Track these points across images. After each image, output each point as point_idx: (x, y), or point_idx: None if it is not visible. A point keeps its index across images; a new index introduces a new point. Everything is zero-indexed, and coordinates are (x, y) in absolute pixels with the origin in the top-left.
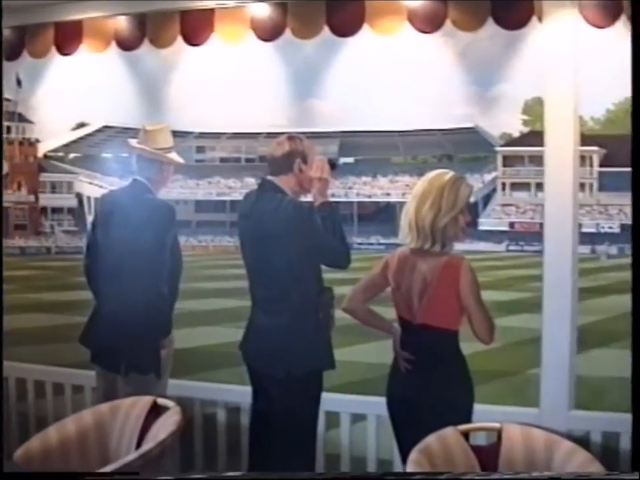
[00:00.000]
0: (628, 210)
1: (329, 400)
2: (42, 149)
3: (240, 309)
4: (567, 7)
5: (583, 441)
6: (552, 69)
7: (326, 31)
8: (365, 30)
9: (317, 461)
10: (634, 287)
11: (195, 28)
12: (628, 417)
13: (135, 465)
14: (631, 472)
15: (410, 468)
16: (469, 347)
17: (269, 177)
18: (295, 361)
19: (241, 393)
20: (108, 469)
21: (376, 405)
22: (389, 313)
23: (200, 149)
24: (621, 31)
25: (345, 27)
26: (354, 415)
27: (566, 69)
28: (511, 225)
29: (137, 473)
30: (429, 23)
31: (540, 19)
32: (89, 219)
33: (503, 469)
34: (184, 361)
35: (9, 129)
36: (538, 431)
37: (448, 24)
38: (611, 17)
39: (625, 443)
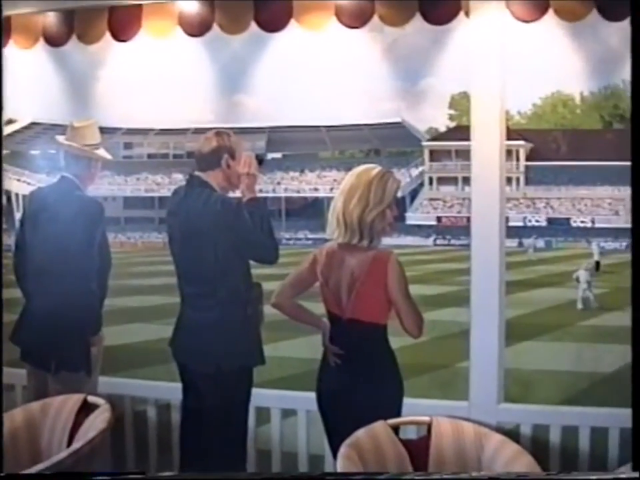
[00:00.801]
0: (554, 203)
1: (259, 395)
2: None
3: (169, 306)
4: (494, 1)
5: (512, 434)
6: (479, 63)
7: (253, 26)
8: (293, 25)
9: (247, 456)
10: (634, 286)
11: (123, 24)
12: (557, 409)
13: (66, 463)
14: (631, 472)
15: (340, 462)
16: (397, 340)
17: (197, 173)
18: (224, 357)
19: (171, 390)
20: (38, 467)
21: (306, 400)
22: (317, 308)
23: (128, 145)
24: (548, 25)
25: (273, 22)
26: (284, 410)
27: (492, 64)
28: (438, 219)
29: (142, 473)
30: (356, 18)
31: (467, 14)
32: (17, 216)
33: (432, 462)
34: (114, 358)
35: None
36: (468, 424)
37: (375, 19)
38: (538, 12)
39: (555, 435)
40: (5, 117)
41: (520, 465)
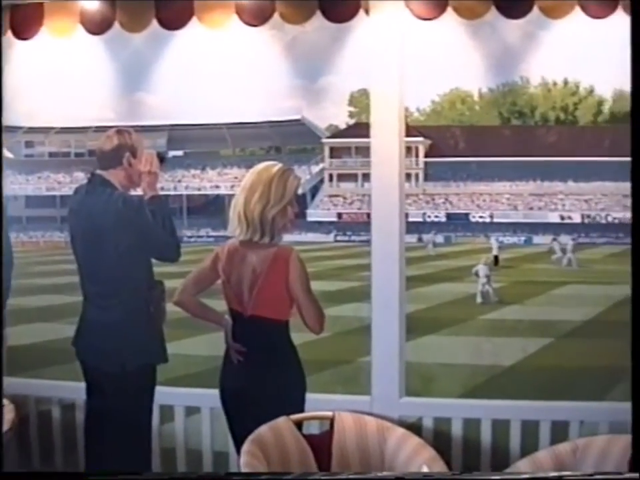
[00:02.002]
0: (453, 199)
1: (163, 393)
2: None
3: (72, 305)
4: (394, 0)
5: (414, 427)
6: (378, 61)
7: (155, 24)
8: (194, 23)
9: (152, 455)
10: (634, 284)
11: (24, 22)
12: (458, 402)
13: None
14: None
15: (243, 459)
16: (299, 337)
17: (99, 171)
18: (127, 356)
19: (76, 389)
20: None
21: (209, 398)
22: (219, 305)
23: (29, 144)
24: (447, 23)
25: (174, 20)
26: (188, 407)
27: (392, 61)
28: (339, 215)
29: (138, 473)
30: (256, 16)
31: (367, 12)
32: None
33: (335, 457)
34: (17, 359)
35: None
36: (370, 418)
37: (276, 17)
38: (436, 10)
39: (456, 428)
40: None
41: (422, 458)
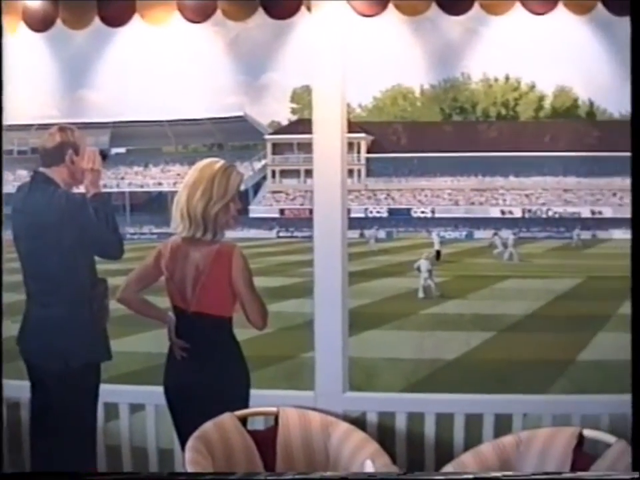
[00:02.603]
0: (395, 194)
1: (107, 391)
2: None
3: (16, 303)
4: None
5: (358, 422)
6: (320, 57)
7: (97, 21)
8: (136, 20)
9: (97, 452)
10: (633, 283)
11: None
12: (401, 396)
13: None
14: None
15: (188, 455)
16: (243, 333)
17: (41, 169)
18: (71, 354)
19: (20, 388)
20: None
21: (154, 395)
22: (163, 302)
23: None
24: (389, 19)
25: (116, 17)
26: (132, 405)
27: (334, 58)
28: (281, 211)
29: (137, 473)
30: (199, 13)
31: (309, 9)
32: None
33: (280, 452)
34: None
35: None
36: (314, 413)
37: (218, 14)
38: (378, 7)
39: (401, 422)
40: None
41: (366, 452)
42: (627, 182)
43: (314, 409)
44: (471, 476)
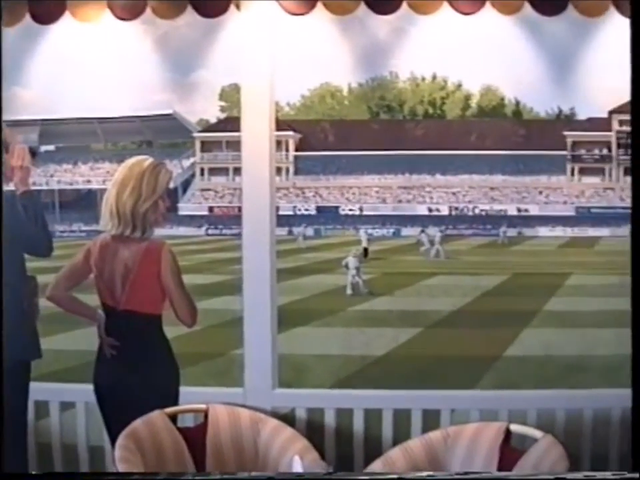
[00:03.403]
0: (323, 192)
1: (37, 389)
2: None
3: None
4: None
5: (287, 418)
6: (249, 56)
7: (27, 18)
8: (67, 17)
9: (28, 451)
10: (633, 281)
11: None
12: (330, 392)
13: None
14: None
15: (117, 453)
16: (172, 330)
17: None
18: (0, 352)
19: None
20: None
21: (84, 392)
22: (93, 299)
23: None
24: (318, 18)
25: (47, 14)
26: (63, 403)
27: (262, 56)
28: (210, 209)
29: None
30: (129, 10)
31: (238, 7)
32: None
33: (210, 449)
34: None
35: None
36: (243, 410)
37: (148, 12)
38: (307, 5)
39: (330, 418)
40: None
41: (295, 448)
42: (552, 180)
43: (243, 406)
44: (395, 476)
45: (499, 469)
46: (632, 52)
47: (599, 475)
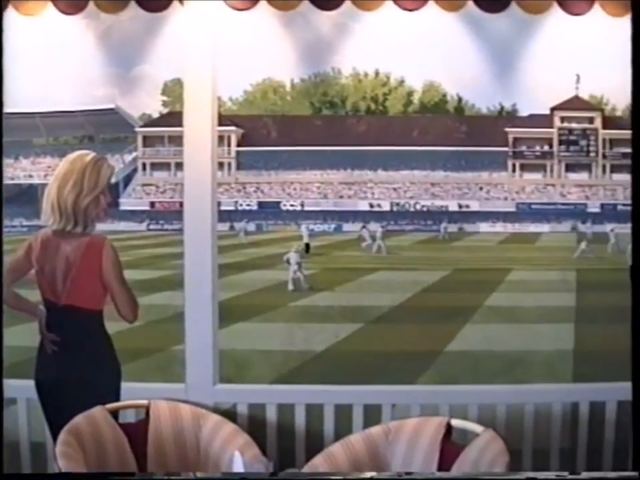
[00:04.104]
0: (265, 188)
1: None
2: None
3: None
4: None
5: (229, 414)
6: (191, 50)
7: None
8: (10, 11)
9: None
10: (633, 279)
11: None
12: (272, 388)
13: None
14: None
15: (59, 449)
16: (113, 326)
17: None
18: None
19: None
20: None
21: (25, 388)
22: (34, 295)
23: None
24: (261, 13)
25: None
26: (4, 399)
27: (205, 51)
28: (152, 204)
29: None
30: (72, 4)
31: (181, 2)
32: None
33: (151, 445)
34: None
35: None
36: (185, 406)
37: (91, 6)
38: (250, 1)
39: (271, 414)
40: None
41: (237, 444)
42: (493, 176)
43: (185, 401)
44: (340, 477)
45: (440, 464)
46: (632, 52)
47: (599, 474)
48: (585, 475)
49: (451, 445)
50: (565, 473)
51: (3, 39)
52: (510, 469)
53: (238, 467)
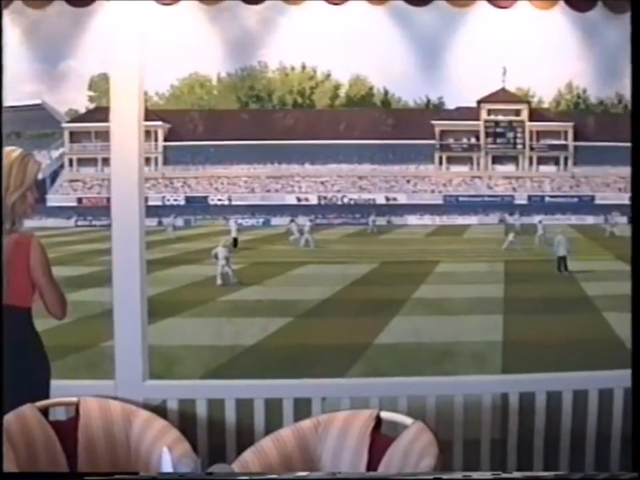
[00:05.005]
0: (192, 182)
1: None
2: None
3: None
4: None
5: (159, 410)
6: (118, 45)
7: None
8: None
9: None
10: (633, 277)
11: None
12: (202, 383)
13: None
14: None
15: None
16: (42, 323)
17: None
18: None
19: None
20: None
21: None
22: None
23: None
24: (187, 7)
25: None
26: None
27: (131, 46)
28: (79, 200)
29: (136, 473)
30: None
31: None
32: None
33: (82, 442)
34: None
35: None
36: (115, 402)
37: (17, 1)
38: None
39: (201, 409)
40: None
41: (167, 440)
42: (420, 169)
43: (115, 398)
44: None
45: (369, 456)
46: (632, 52)
47: (599, 474)
48: (585, 474)
49: (381, 437)
50: (564, 473)
51: (2, 39)
52: (440, 460)
53: (166, 463)
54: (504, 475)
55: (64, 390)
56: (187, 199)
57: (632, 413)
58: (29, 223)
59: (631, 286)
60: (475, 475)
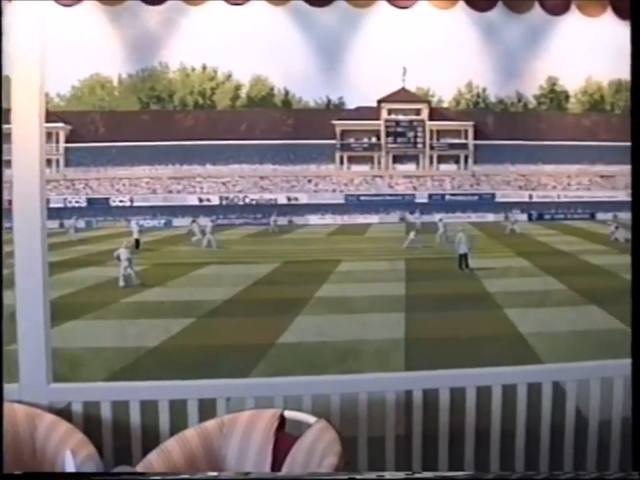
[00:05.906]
0: (94, 184)
1: None
2: None
3: None
4: None
5: (64, 413)
6: (19, 47)
7: None
8: None
9: None
10: (633, 276)
11: None
12: (106, 385)
13: None
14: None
15: None
16: None
17: None
18: None
19: None
20: None
21: None
22: None
23: None
24: (88, 8)
25: None
26: None
27: (33, 47)
28: None
29: (139, 473)
30: None
31: None
32: None
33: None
34: None
35: None
36: (19, 406)
37: None
38: None
39: (106, 411)
40: None
41: (71, 443)
42: (322, 169)
43: (19, 402)
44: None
45: (274, 455)
46: (632, 52)
47: (600, 474)
48: (585, 474)
49: (285, 435)
50: (564, 473)
51: (2, 39)
52: (343, 458)
53: (69, 466)
54: (417, 475)
55: None
56: (89, 200)
57: (632, 413)
58: None
59: (630, 285)
60: (387, 474)
